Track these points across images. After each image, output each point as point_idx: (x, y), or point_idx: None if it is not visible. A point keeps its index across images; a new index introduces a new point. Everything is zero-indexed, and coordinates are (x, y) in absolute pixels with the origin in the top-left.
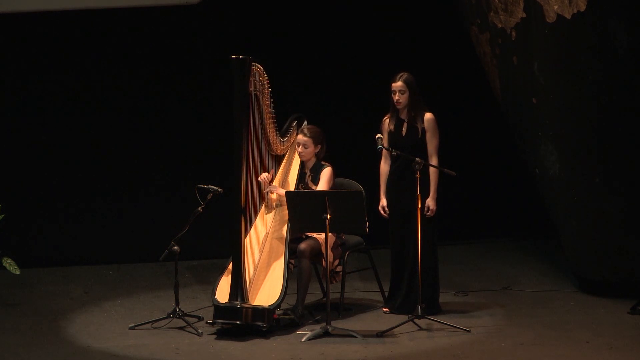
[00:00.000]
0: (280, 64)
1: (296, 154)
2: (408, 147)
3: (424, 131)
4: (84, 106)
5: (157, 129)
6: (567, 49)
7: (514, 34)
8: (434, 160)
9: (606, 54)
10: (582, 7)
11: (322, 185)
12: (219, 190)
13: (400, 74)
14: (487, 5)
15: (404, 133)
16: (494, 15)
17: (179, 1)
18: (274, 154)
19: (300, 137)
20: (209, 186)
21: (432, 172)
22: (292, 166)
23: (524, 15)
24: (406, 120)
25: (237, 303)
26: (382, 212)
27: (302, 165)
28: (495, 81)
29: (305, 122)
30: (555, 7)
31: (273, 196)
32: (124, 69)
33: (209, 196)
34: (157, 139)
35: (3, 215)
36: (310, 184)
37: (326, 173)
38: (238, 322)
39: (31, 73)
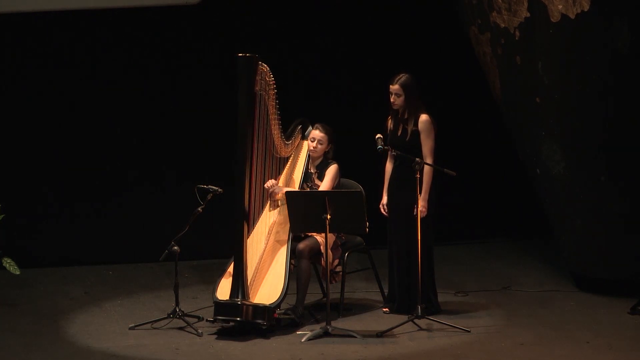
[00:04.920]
0: (280, 64)
1: (300, 157)
2: (401, 147)
3: (413, 133)
4: (83, 106)
5: (158, 129)
6: (571, 49)
7: (517, 33)
8: (428, 162)
9: (610, 53)
10: (586, 7)
11: (326, 181)
12: (219, 190)
13: (399, 77)
14: (489, 5)
15: (399, 133)
16: (497, 15)
17: (179, 1)
18: (278, 156)
19: (316, 132)
20: (209, 186)
21: (426, 172)
22: (296, 169)
23: (528, 14)
24: (400, 120)
25: (238, 300)
26: (382, 209)
27: (308, 166)
28: (494, 81)
29: (310, 127)
30: (560, 6)
31: (278, 196)
32: (124, 69)
33: (209, 196)
34: (157, 138)
35: (3, 215)
36: (316, 181)
37: (331, 170)
38: (238, 318)
39: (31, 73)
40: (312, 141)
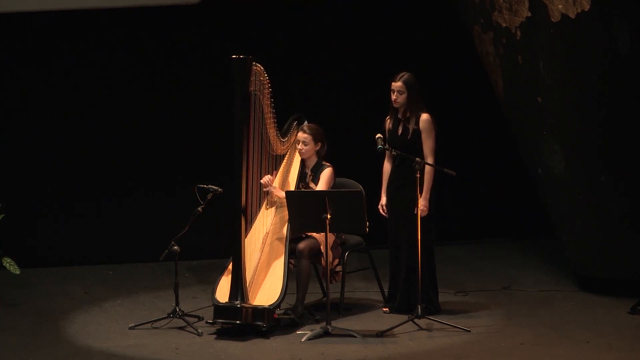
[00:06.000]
0: (280, 64)
1: (297, 153)
2: (402, 146)
3: (414, 132)
4: (83, 106)
5: (157, 129)
6: (572, 49)
7: (518, 33)
8: (429, 161)
9: (610, 53)
10: (586, 7)
11: (321, 186)
12: (219, 190)
13: (402, 74)
14: (491, 4)
15: (399, 132)
16: (498, 15)
17: (179, 1)
18: (274, 154)
19: (300, 134)
20: (209, 186)
21: (427, 172)
22: (293, 166)
23: (529, 14)
24: (402, 119)
25: (237, 303)
26: (381, 210)
27: (303, 165)
28: (497, 81)
29: (306, 122)
30: (560, 6)
31: (273, 197)
32: (124, 69)
33: (209, 196)
34: (157, 138)
35: (3, 215)
36: (310, 183)
37: (326, 173)
38: (238, 322)
39: (31, 73)
40: (298, 143)
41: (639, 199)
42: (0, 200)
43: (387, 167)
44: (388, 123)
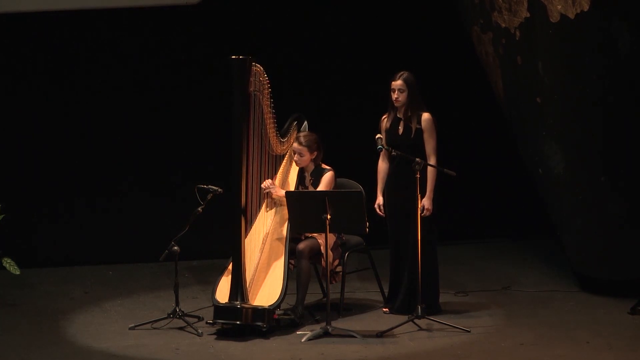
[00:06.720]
0: (280, 64)
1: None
2: (404, 146)
3: (417, 131)
4: (83, 106)
5: (157, 129)
6: (571, 49)
7: (518, 33)
8: (432, 161)
9: (610, 53)
10: (586, 7)
11: (322, 189)
12: (219, 190)
13: (401, 73)
14: (491, 4)
15: (400, 132)
16: (498, 15)
17: (179, 1)
18: (274, 154)
19: (295, 145)
20: (209, 186)
21: (429, 172)
22: (292, 166)
23: (528, 15)
24: (403, 119)
25: (237, 303)
26: (377, 210)
27: (302, 168)
28: (497, 81)
29: (306, 123)
30: (559, 6)
31: (273, 195)
32: (124, 69)
33: (209, 196)
34: (156, 139)
35: (3, 215)
36: (310, 187)
37: (326, 177)
38: (238, 322)
39: (31, 73)
40: (294, 154)
41: (639, 199)
42: (1, 201)
43: (382, 166)
44: (385, 122)
